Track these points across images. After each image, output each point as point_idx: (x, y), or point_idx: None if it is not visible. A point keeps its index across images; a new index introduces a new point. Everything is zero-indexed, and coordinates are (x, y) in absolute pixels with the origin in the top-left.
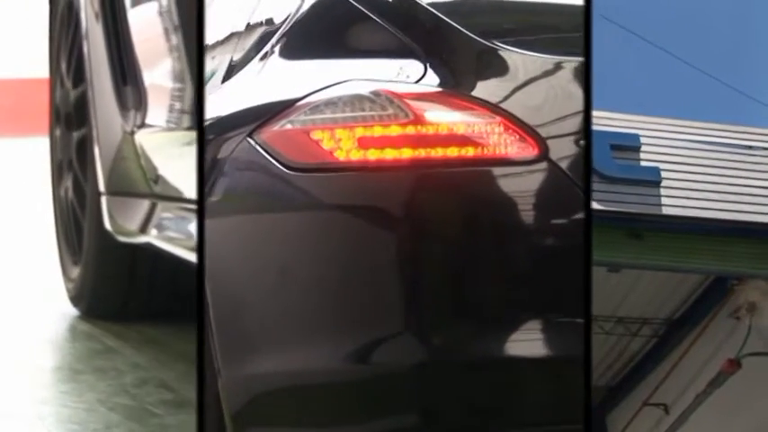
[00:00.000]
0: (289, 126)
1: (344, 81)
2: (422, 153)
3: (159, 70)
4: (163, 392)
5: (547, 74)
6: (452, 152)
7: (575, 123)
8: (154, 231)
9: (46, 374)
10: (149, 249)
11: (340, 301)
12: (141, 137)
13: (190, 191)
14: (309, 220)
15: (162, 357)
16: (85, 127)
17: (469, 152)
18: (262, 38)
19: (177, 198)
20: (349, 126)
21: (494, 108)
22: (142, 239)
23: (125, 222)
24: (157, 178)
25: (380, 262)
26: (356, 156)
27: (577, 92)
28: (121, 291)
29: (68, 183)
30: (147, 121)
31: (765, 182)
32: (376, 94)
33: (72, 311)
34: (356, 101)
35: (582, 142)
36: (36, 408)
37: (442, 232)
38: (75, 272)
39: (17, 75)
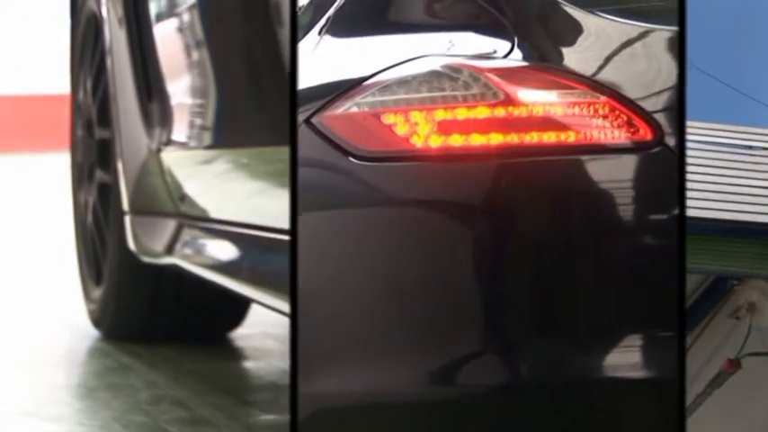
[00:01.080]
0: (355, 109)
1: (419, 57)
2: (514, 139)
3: (186, 86)
4: (177, 410)
5: (646, 45)
6: (550, 138)
7: (673, 101)
8: (180, 252)
9: (61, 391)
10: (174, 270)
11: (415, 313)
12: (167, 154)
13: (217, 210)
14: (379, 219)
15: (177, 375)
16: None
17: (570, 138)
18: (317, 9)
19: (205, 218)
20: (427, 108)
21: (597, 86)
22: (167, 260)
23: (149, 242)
24: (183, 197)
25: (462, 268)
26: (436, 142)
27: (673, 65)
28: (145, 313)
29: (90, 201)
30: (173, 138)
31: (765, 182)
32: (457, 70)
33: (86, 327)
34: (434, 79)
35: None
36: (51, 425)
37: (537, 234)
38: (97, 293)
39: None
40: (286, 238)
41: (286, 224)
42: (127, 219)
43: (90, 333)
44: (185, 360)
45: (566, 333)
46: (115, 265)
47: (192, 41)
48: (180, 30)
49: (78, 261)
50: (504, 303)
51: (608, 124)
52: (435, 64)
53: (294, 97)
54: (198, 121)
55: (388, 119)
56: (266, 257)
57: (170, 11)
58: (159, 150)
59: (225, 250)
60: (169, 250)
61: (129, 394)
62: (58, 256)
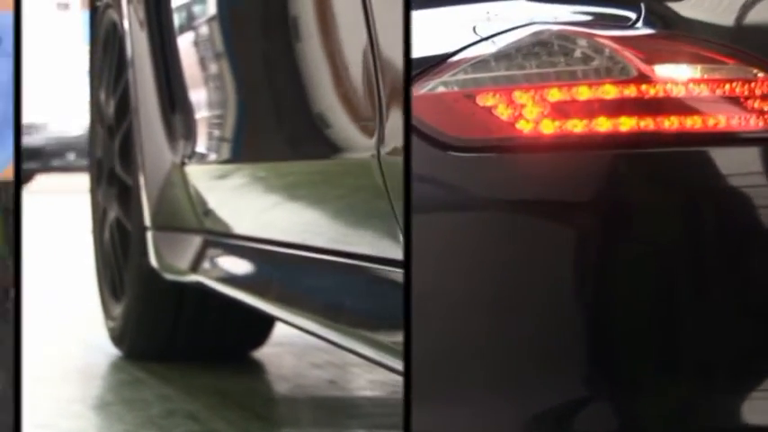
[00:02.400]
0: (442, 89)
1: (523, 25)
2: (649, 125)
3: (210, 98)
4: (190, 424)
5: None
6: (694, 124)
7: None
8: (205, 269)
9: (77, 405)
10: (197, 288)
11: (523, 345)
12: (191, 168)
13: (244, 226)
14: (477, 223)
15: (189, 389)
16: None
17: (720, 124)
18: None
19: (231, 234)
20: (537, 86)
21: (752, 60)
22: (191, 278)
23: (172, 259)
24: (208, 212)
25: (578, 290)
26: (549, 128)
27: None
28: (167, 332)
29: (111, 217)
30: (198, 151)
31: None
32: (573, 40)
33: (101, 342)
34: (544, 51)
35: None
36: None
37: (675, 246)
38: (117, 311)
39: None
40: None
41: (314, 240)
42: (149, 234)
43: (104, 347)
44: (198, 374)
45: (697, 371)
46: (136, 282)
47: (215, 53)
48: (203, 41)
49: (97, 276)
50: (626, 334)
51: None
52: (544, 33)
53: (408, 100)
54: (224, 134)
55: (486, 100)
56: (296, 275)
57: (193, 22)
58: (183, 164)
59: (253, 268)
60: (193, 267)
61: (143, 408)
62: (73, 268)
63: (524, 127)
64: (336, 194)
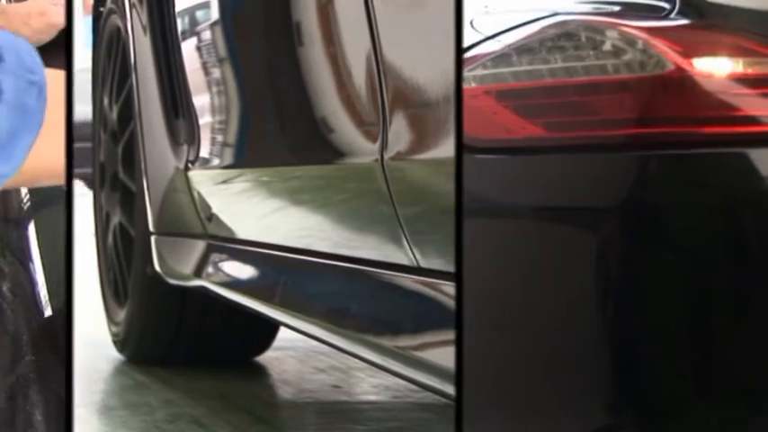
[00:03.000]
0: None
1: (547, 16)
2: (687, 123)
3: (213, 103)
4: (194, 428)
5: None
6: (736, 121)
7: None
8: (209, 274)
9: (78, 410)
10: (200, 293)
11: (562, 364)
12: (194, 173)
13: (248, 231)
14: (500, 233)
15: (193, 393)
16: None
17: (764, 121)
18: None
19: (235, 239)
20: (562, 82)
21: None
22: (195, 283)
23: (176, 264)
24: (212, 217)
25: (606, 302)
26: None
27: None
28: (170, 336)
29: (114, 222)
30: (201, 156)
31: None
32: (601, 32)
33: (104, 346)
34: (571, 44)
35: None
36: None
37: (712, 257)
38: (121, 315)
39: None
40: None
41: (318, 245)
42: (152, 239)
43: (108, 352)
44: (202, 378)
45: (738, 395)
46: (139, 286)
47: (218, 58)
48: (206, 46)
49: (100, 280)
50: (664, 354)
51: None
52: (570, 24)
53: (459, 96)
54: (227, 139)
55: (508, 97)
56: (299, 280)
57: (196, 27)
58: (186, 169)
59: (257, 273)
60: (197, 272)
61: (147, 413)
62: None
63: (552, 127)
64: (340, 199)
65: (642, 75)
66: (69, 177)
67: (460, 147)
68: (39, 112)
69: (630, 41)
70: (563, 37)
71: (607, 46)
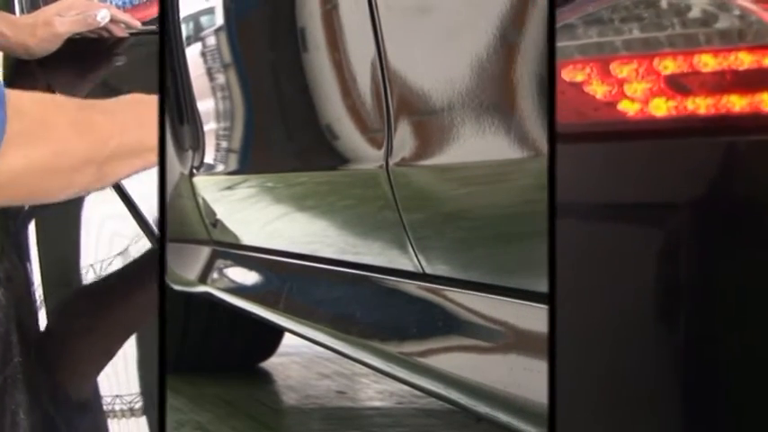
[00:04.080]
0: None
1: None
2: None
3: (218, 109)
4: None
5: None
6: None
7: None
8: (214, 280)
9: None
10: (205, 299)
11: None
12: (199, 179)
13: (250, 237)
14: (570, 233)
15: (199, 399)
16: None
17: None
18: None
19: (240, 245)
20: (642, 56)
21: None
22: (200, 289)
23: (181, 270)
24: (216, 223)
25: (699, 312)
26: (661, 109)
27: None
28: (175, 342)
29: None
30: (205, 161)
31: None
32: None
33: None
34: (651, 11)
35: None
36: None
37: None
38: None
39: None
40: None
41: (322, 251)
42: None
43: None
44: (207, 385)
45: None
46: None
47: (223, 63)
48: (211, 51)
49: None
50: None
51: None
52: None
53: (553, 88)
54: (232, 145)
55: (575, 75)
56: (304, 286)
57: (201, 32)
58: (191, 174)
59: (262, 279)
60: (202, 278)
61: None
62: None
63: (628, 108)
64: (344, 205)
65: (740, 45)
66: (162, 205)
67: (554, 139)
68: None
69: (725, 7)
70: (640, 4)
71: (695, 13)
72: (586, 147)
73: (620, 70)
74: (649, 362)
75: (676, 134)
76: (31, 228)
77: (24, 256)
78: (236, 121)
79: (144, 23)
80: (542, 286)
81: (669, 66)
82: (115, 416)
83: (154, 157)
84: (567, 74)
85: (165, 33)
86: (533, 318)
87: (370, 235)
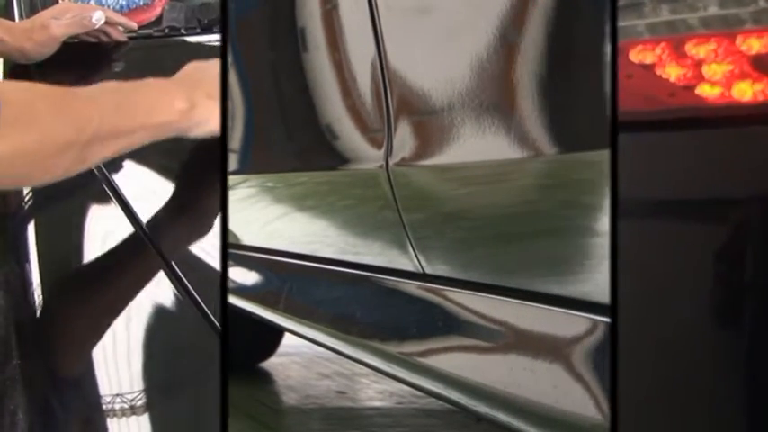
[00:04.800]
0: None
1: None
2: None
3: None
4: None
5: None
6: None
7: None
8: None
9: None
10: None
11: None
12: None
13: (250, 237)
14: (640, 234)
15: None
16: None
17: None
18: None
19: (239, 245)
20: (721, 35)
21: None
22: None
23: None
24: None
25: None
26: (746, 93)
27: None
28: None
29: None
30: None
31: None
32: None
33: None
34: None
35: None
36: None
37: None
38: None
39: None
40: (325, 266)
41: (323, 251)
42: None
43: None
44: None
45: None
46: None
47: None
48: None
49: None
50: None
51: None
52: None
53: (615, 75)
54: (232, 145)
55: (645, 56)
56: (305, 286)
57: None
58: None
59: (262, 279)
60: None
61: None
62: None
63: (708, 92)
64: (344, 205)
65: None
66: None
67: (615, 129)
68: None
69: None
70: None
71: None
72: (658, 137)
73: (697, 50)
74: (717, 367)
75: (765, 121)
76: (31, 228)
77: (23, 258)
78: (237, 121)
79: (141, 27)
80: (542, 286)
81: (754, 45)
82: (115, 415)
83: (130, 140)
84: (636, 55)
85: (227, 35)
86: (533, 318)
87: (370, 235)
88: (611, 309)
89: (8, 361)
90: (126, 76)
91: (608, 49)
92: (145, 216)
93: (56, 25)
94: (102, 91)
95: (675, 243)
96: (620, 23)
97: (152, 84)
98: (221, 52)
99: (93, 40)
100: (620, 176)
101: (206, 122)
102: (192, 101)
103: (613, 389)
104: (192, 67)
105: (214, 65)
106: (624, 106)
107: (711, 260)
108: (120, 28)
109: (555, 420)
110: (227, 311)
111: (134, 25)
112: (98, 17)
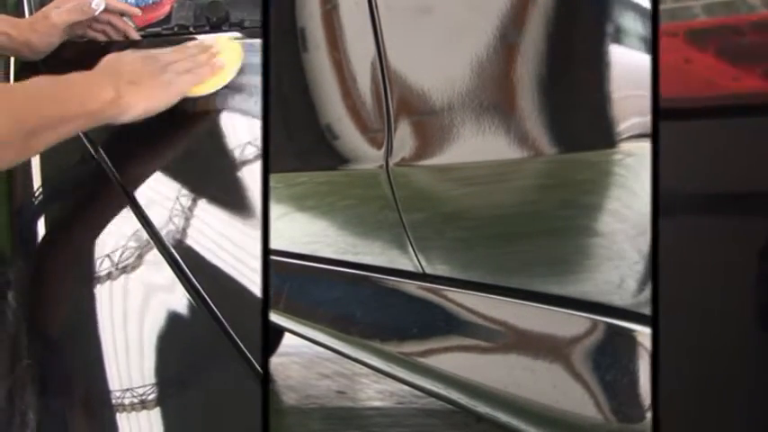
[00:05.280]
0: None
1: None
2: None
3: None
4: None
5: None
6: None
7: None
8: None
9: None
10: None
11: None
12: None
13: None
14: (706, 240)
15: None
16: None
17: None
18: None
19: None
20: None
21: None
22: None
23: None
24: None
25: None
26: None
27: None
28: None
29: None
30: None
31: None
32: None
33: None
34: None
35: None
36: None
37: None
38: None
39: None
40: (325, 266)
41: (323, 251)
42: None
43: None
44: None
45: None
46: None
47: None
48: None
49: None
50: None
51: None
52: None
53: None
54: None
55: (703, 38)
56: (305, 286)
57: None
58: None
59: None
60: None
61: None
62: None
63: None
64: (345, 205)
65: None
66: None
67: (657, 116)
68: None
69: None
70: None
71: None
72: (718, 124)
73: (762, 32)
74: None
75: None
76: (40, 226)
77: (32, 257)
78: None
79: (151, 26)
80: (542, 286)
81: None
82: (125, 410)
83: (68, 128)
84: (692, 38)
85: (268, 32)
86: (533, 318)
87: (370, 235)
88: (652, 308)
89: (19, 361)
90: None
91: (608, 48)
92: (153, 215)
93: (56, 13)
94: (37, 85)
95: (726, 240)
96: (675, 5)
97: (80, 76)
98: (262, 51)
99: (102, 37)
100: (671, 168)
101: (134, 107)
102: (118, 89)
103: (655, 393)
104: (110, 59)
105: (128, 53)
106: (686, 92)
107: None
108: (131, 24)
109: (555, 420)
110: (269, 329)
111: (137, 12)
112: (97, 3)
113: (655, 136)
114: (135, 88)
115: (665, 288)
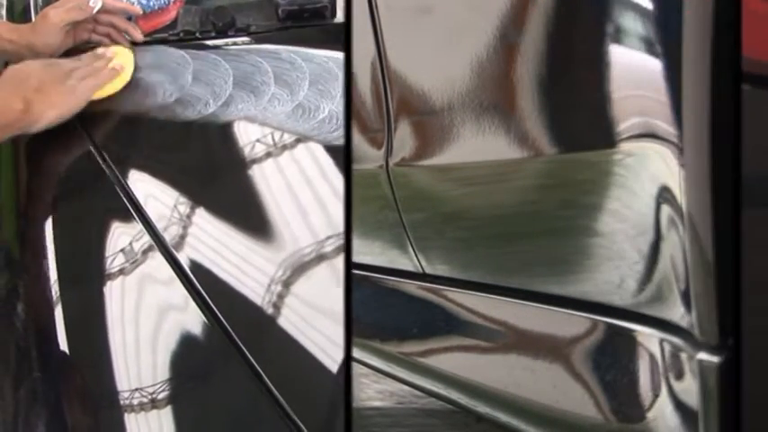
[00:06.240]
0: None
1: None
2: None
3: None
4: None
5: None
6: None
7: None
8: None
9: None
10: None
11: None
12: None
13: None
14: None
15: None
16: None
17: None
18: None
19: None
20: None
21: None
22: None
23: None
24: None
25: None
26: None
27: None
28: None
29: None
30: None
31: None
32: None
33: None
34: None
35: None
36: None
37: None
38: None
39: None
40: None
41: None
42: None
43: None
44: None
45: None
46: None
47: None
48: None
49: None
50: None
51: None
52: None
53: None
54: None
55: None
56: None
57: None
58: None
59: None
60: None
61: None
62: None
63: None
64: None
65: None
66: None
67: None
68: None
69: None
70: None
71: None
72: None
73: None
74: None
75: None
76: (48, 230)
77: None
78: None
79: (157, 31)
80: (542, 286)
81: None
82: (133, 410)
83: (26, 118)
84: None
85: (351, 24)
86: (533, 318)
87: (370, 235)
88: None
89: (29, 374)
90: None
91: (608, 48)
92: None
93: (54, 12)
94: None
95: None
96: None
97: None
98: (345, 47)
99: (107, 41)
100: (758, 148)
101: (45, 115)
102: (26, 99)
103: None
104: (12, 70)
105: (30, 63)
106: (758, 56)
107: None
108: (137, 27)
109: (555, 420)
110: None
111: (138, 10)
112: (95, 1)
113: (737, 107)
114: (42, 96)
115: (747, 302)
